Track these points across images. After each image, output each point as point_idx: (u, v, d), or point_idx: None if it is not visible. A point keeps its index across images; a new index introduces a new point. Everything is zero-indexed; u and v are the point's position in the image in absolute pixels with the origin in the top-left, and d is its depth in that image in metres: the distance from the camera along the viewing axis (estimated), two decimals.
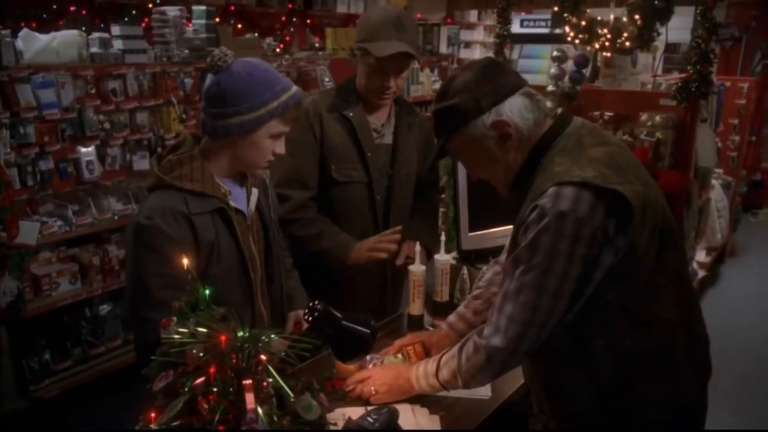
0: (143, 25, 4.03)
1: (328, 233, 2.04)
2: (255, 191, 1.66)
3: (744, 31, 7.13)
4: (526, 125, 1.33)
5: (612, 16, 3.79)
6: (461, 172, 2.21)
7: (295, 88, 1.53)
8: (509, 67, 1.44)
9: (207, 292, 1.18)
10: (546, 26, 8.82)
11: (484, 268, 1.90)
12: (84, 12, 4.55)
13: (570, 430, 1.44)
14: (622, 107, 3.71)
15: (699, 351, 1.40)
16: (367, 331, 1.53)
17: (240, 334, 1.10)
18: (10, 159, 2.87)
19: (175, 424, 1.05)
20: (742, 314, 4.35)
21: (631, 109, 3.65)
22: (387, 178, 2.13)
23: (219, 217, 1.53)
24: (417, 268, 1.92)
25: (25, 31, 3.12)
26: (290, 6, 5.89)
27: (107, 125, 3.25)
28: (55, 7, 4.49)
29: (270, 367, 1.10)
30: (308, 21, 6.27)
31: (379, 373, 1.62)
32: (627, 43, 3.68)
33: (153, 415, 1.09)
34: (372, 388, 1.56)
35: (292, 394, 1.14)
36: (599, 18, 3.84)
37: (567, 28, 3.87)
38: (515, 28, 7.77)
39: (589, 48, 3.92)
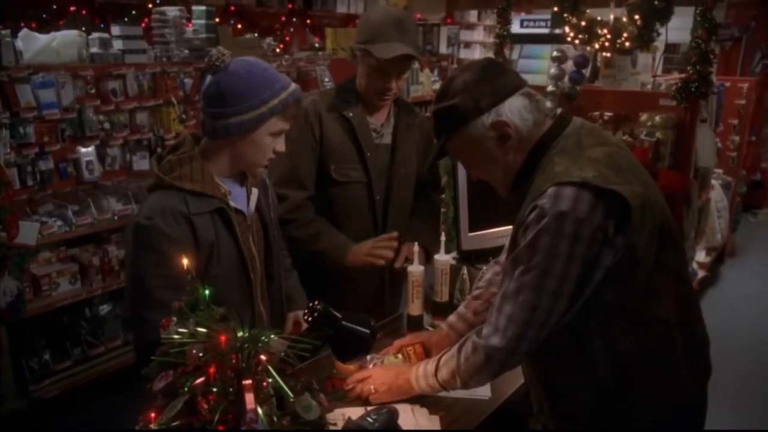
0: (143, 25, 4.03)
1: (325, 234, 2.04)
2: (255, 191, 1.66)
3: (744, 31, 7.13)
4: (525, 126, 1.33)
5: (612, 17, 3.78)
6: (461, 172, 2.21)
7: (294, 86, 1.53)
8: (509, 68, 1.44)
9: (207, 292, 1.17)
10: (546, 26, 8.83)
11: (484, 268, 1.89)
12: (84, 12, 4.55)
13: (569, 431, 1.44)
14: (622, 107, 3.70)
15: (699, 351, 1.40)
16: (367, 331, 1.53)
17: (240, 334, 1.10)
18: (10, 159, 2.87)
19: (174, 424, 1.05)
20: (742, 314, 4.35)
21: (630, 109, 3.65)
22: (386, 178, 2.13)
23: (219, 217, 1.53)
24: (416, 269, 1.92)
25: (25, 31, 3.12)
26: (290, 6, 5.89)
27: (107, 125, 3.25)
28: (55, 7, 4.49)
29: (270, 367, 1.10)
30: (308, 21, 6.27)
31: (378, 373, 1.62)
32: (627, 44, 3.67)
33: (153, 415, 1.09)
34: (372, 387, 1.57)
35: (291, 395, 1.14)
36: (599, 18, 3.84)
37: (567, 29, 3.87)
38: (515, 28, 7.77)
39: (588, 48, 3.91)
